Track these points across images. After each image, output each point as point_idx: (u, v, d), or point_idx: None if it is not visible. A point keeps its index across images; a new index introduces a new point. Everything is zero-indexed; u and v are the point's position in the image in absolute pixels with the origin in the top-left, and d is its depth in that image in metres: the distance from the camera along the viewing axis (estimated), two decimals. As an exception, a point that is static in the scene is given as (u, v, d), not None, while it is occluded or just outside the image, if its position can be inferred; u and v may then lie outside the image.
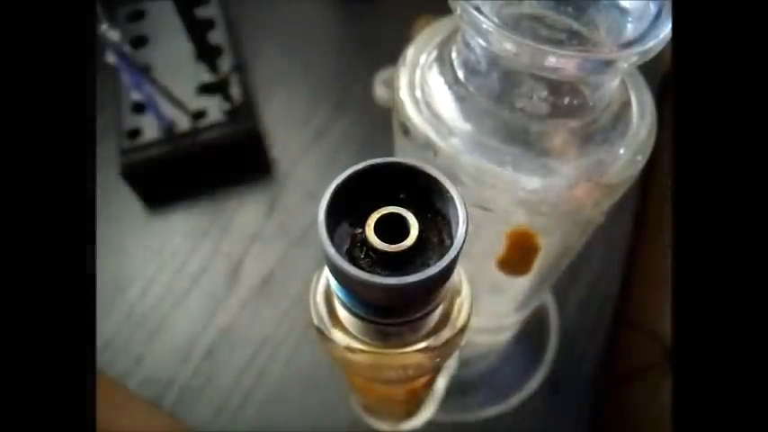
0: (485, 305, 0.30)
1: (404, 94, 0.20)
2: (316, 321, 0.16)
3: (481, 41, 0.17)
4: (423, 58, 0.20)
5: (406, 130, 0.20)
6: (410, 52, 0.21)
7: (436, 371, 0.21)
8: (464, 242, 0.11)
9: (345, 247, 0.12)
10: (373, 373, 0.18)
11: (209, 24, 0.46)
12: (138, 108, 0.41)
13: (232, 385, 0.36)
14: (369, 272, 0.11)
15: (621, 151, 0.19)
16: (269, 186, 0.44)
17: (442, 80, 0.20)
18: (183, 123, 0.41)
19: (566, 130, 0.19)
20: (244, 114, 0.42)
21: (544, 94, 0.18)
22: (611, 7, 0.18)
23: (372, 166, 0.12)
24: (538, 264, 0.24)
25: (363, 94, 0.47)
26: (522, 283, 0.28)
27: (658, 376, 0.35)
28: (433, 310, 0.14)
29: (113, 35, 0.34)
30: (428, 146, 0.19)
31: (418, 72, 0.20)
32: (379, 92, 0.47)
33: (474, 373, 0.36)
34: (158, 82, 0.39)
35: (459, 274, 0.16)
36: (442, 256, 0.11)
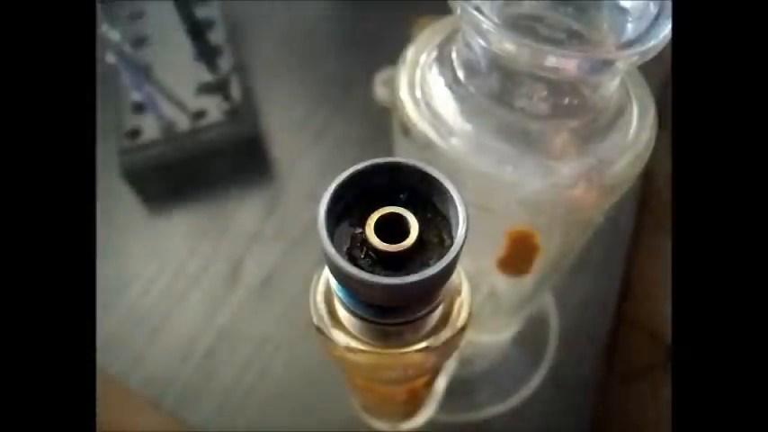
0: (485, 305, 0.30)
1: (404, 94, 0.20)
2: (316, 321, 0.16)
3: (481, 41, 0.17)
4: (423, 58, 0.20)
5: (406, 130, 0.20)
6: (410, 52, 0.21)
7: (436, 371, 0.21)
8: (464, 242, 0.11)
9: (345, 247, 0.12)
10: (373, 373, 0.18)
11: (209, 24, 0.46)
12: (138, 108, 0.41)
13: (232, 385, 0.36)
14: (369, 272, 0.11)
15: (621, 151, 0.19)
16: (269, 186, 0.44)
17: (442, 80, 0.20)
18: (183, 123, 0.41)
19: (566, 130, 0.19)
20: (244, 114, 0.42)
21: (544, 94, 0.18)
22: (611, 7, 0.18)
23: (373, 166, 0.12)
24: (538, 264, 0.24)
25: (363, 95, 0.47)
26: (521, 283, 0.28)
27: (659, 376, 0.35)
28: (433, 310, 0.14)
29: (113, 35, 0.34)
30: (428, 146, 0.19)
31: (418, 72, 0.20)
32: (379, 92, 0.47)
33: (474, 372, 0.36)
34: (158, 82, 0.39)
35: (459, 274, 0.16)
36: (442, 256, 0.11)
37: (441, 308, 0.14)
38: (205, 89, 0.43)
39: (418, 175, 0.12)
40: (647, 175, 0.42)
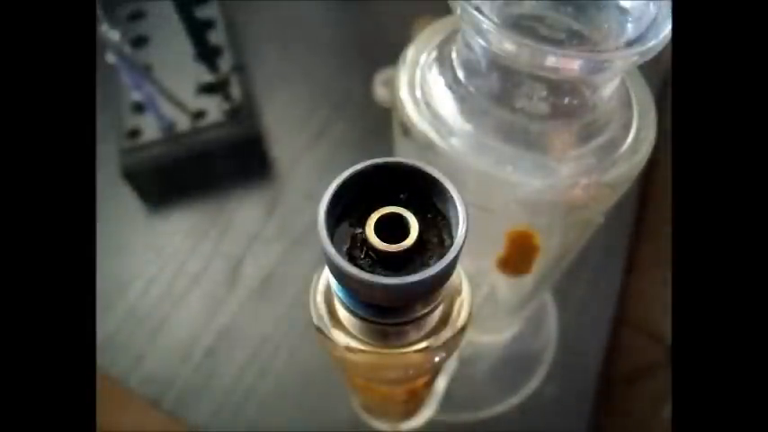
0: (485, 305, 0.30)
1: (404, 94, 0.20)
2: (316, 321, 0.16)
3: (481, 41, 0.17)
4: (423, 58, 0.20)
5: (406, 130, 0.20)
6: (410, 52, 0.21)
7: (436, 371, 0.21)
8: (464, 242, 0.11)
9: (345, 247, 0.12)
10: (373, 373, 0.18)
11: (209, 24, 0.46)
12: (138, 108, 0.41)
13: (232, 384, 0.36)
14: (369, 272, 0.11)
15: (621, 151, 0.19)
16: (269, 186, 0.44)
17: (442, 80, 0.20)
18: (183, 123, 0.41)
19: (566, 130, 0.19)
20: (244, 114, 0.42)
21: (544, 94, 0.18)
22: (611, 7, 0.18)
23: (373, 166, 0.12)
24: (538, 264, 0.24)
25: (363, 95, 0.47)
26: (522, 283, 0.28)
27: (659, 376, 0.35)
28: (433, 310, 0.14)
29: (113, 35, 0.34)
30: (428, 146, 0.19)
31: (418, 72, 0.20)
32: (379, 92, 0.47)
33: (474, 372, 0.36)
34: (158, 82, 0.39)
35: (459, 274, 0.16)
36: (442, 256, 0.11)
37: (441, 308, 0.14)
38: (205, 89, 0.43)
39: (418, 175, 0.12)
40: (647, 175, 0.42)
